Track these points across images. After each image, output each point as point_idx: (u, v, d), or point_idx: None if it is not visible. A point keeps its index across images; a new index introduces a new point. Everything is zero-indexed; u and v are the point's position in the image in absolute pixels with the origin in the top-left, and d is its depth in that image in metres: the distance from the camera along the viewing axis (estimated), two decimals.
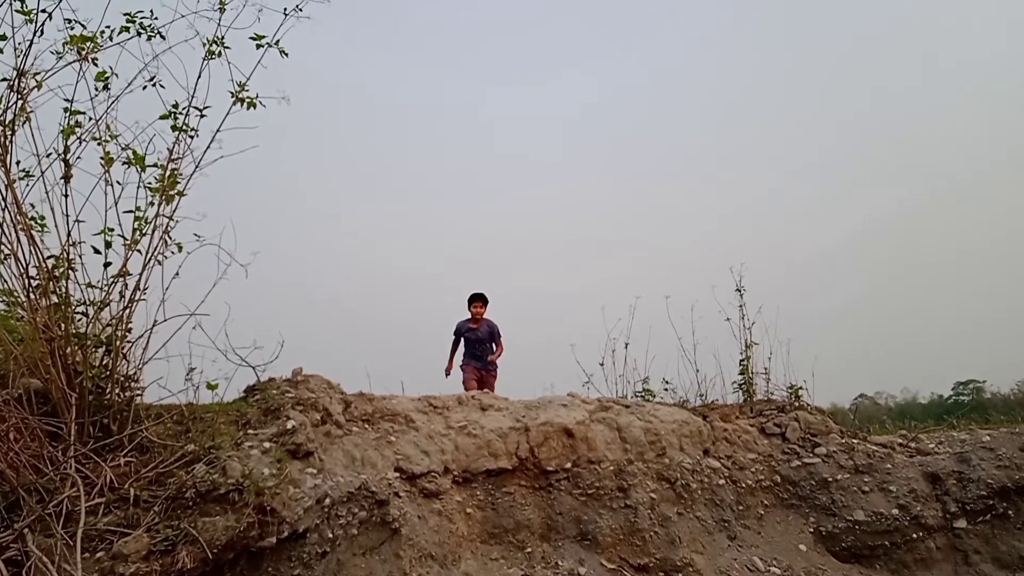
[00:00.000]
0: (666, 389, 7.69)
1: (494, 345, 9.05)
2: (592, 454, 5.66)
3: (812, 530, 6.22)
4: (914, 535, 6.17)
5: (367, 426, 5.01)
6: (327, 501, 3.93)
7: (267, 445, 3.86)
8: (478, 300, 9.14)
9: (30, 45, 3.88)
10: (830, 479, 6.39)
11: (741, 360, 7.67)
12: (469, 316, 9.11)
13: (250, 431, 3.98)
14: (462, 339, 9.13)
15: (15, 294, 3.99)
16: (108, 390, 3.86)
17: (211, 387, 4.12)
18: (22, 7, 3.79)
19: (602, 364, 7.66)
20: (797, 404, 7.16)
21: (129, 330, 4.04)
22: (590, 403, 6.21)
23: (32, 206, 4.03)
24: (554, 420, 5.71)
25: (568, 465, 5.56)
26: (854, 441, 6.76)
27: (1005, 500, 6.29)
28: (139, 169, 4.28)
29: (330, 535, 3.91)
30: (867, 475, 6.45)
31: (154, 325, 4.01)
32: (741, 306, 7.83)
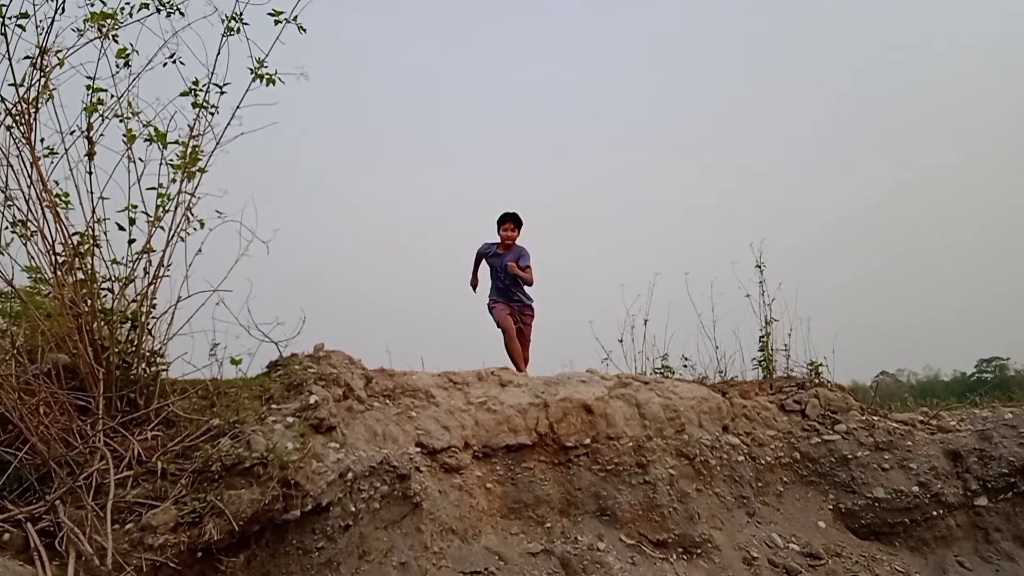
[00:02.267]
0: (685, 366, 7.69)
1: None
2: (611, 430, 5.68)
3: (831, 507, 6.22)
4: (934, 512, 6.16)
5: (388, 401, 5.05)
6: (349, 475, 3.98)
7: (290, 420, 3.91)
8: (509, 221, 7.53)
9: (51, 23, 3.89)
10: (850, 456, 6.37)
11: (761, 337, 7.65)
12: (497, 241, 7.65)
13: (273, 406, 4.03)
14: (485, 264, 7.75)
15: (42, 271, 4.05)
16: (134, 365, 3.91)
17: (235, 362, 4.17)
18: None
19: (621, 341, 7.65)
20: (817, 381, 7.13)
21: (154, 306, 4.09)
22: (609, 379, 6.22)
23: (56, 183, 4.07)
24: (573, 396, 5.73)
25: (587, 441, 5.59)
26: (874, 418, 6.73)
27: None
28: (161, 146, 4.30)
29: (352, 509, 3.96)
30: (887, 452, 6.43)
31: (178, 301, 4.06)
32: (761, 282, 7.79)
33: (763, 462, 6.26)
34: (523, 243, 7.76)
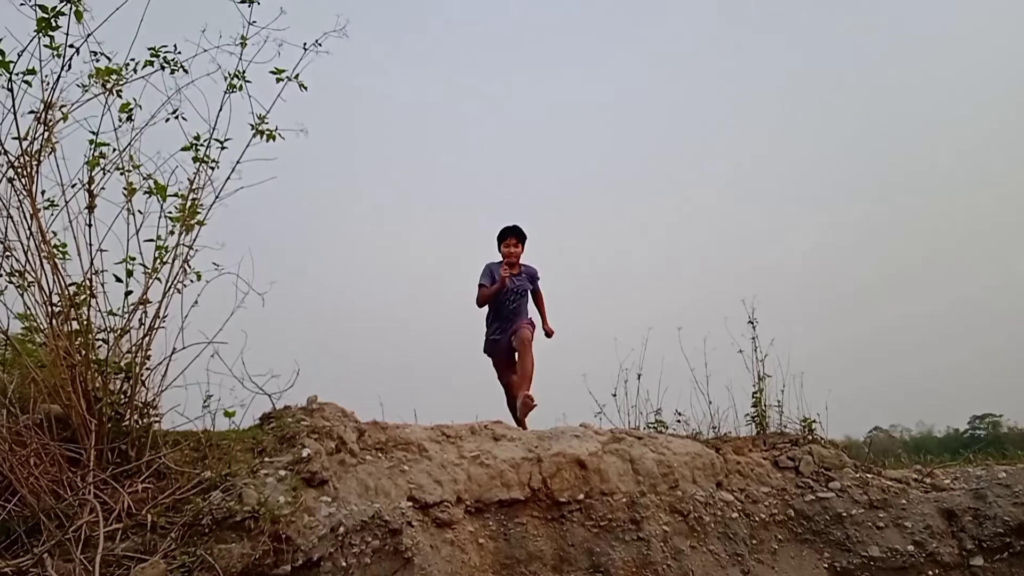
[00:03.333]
0: (679, 421, 7.65)
1: (527, 302, 6.58)
2: (605, 486, 5.64)
3: (827, 565, 6.15)
4: (930, 572, 6.09)
5: (381, 455, 5.02)
6: (341, 530, 3.94)
7: (282, 473, 3.88)
8: (511, 236, 6.40)
9: (57, 79, 3.99)
10: (844, 514, 6.33)
11: (754, 392, 7.64)
12: (499, 261, 6.52)
13: (266, 459, 4.01)
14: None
15: (36, 319, 4.07)
16: (127, 416, 3.90)
17: (228, 414, 4.16)
18: (51, 43, 3.89)
19: (614, 395, 7.63)
20: (811, 437, 7.11)
21: (148, 357, 4.10)
22: (603, 434, 6.20)
23: (55, 234, 4.12)
24: (567, 451, 5.70)
25: (581, 496, 5.54)
26: (868, 476, 6.71)
27: (1023, 538, 6.21)
28: (160, 199, 4.37)
29: (344, 564, 3.91)
30: (882, 510, 6.38)
31: (173, 353, 4.07)
32: (754, 338, 7.81)
33: (757, 519, 6.21)
34: (527, 260, 6.84)
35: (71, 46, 3.99)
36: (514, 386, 6.56)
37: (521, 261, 6.62)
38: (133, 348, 4.06)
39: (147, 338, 4.08)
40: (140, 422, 3.96)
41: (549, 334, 6.64)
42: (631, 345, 7.78)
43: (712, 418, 7.54)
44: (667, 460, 6.02)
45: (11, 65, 3.74)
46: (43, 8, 3.82)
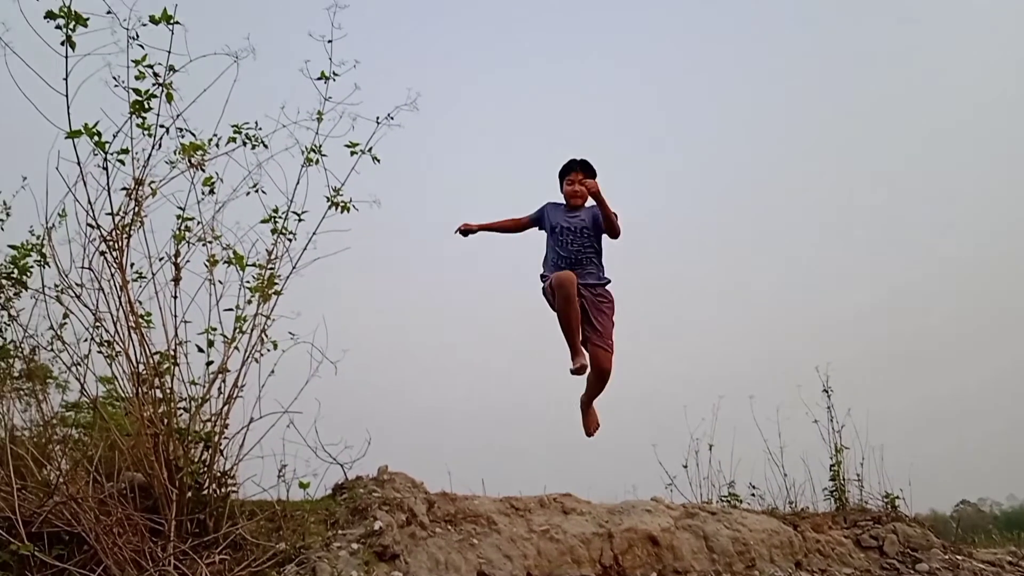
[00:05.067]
0: (753, 494, 7.39)
1: (598, 244, 4.71)
2: (678, 564, 5.45)
3: None
4: None
5: (450, 527, 4.95)
6: None
7: (355, 546, 3.86)
8: (577, 170, 4.74)
9: (148, 157, 4.16)
10: None
11: (831, 465, 7.35)
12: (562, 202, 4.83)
13: (339, 531, 3.99)
14: (548, 229, 4.79)
15: (119, 383, 4.17)
16: (206, 486, 3.94)
17: (303, 486, 4.15)
18: (143, 123, 4.08)
19: (685, 466, 7.42)
20: (894, 515, 6.79)
21: (227, 426, 4.15)
22: (675, 509, 6.02)
23: (140, 303, 4.25)
24: (638, 526, 5.54)
25: (653, 575, 5.36)
26: (958, 557, 6.34)
27: None
28: (239, 269, 4.48)
29: None
30: None
31: (250, 422, 4.12)
32: (829, 407, 7.57)
33: None
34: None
35: (162, 126, 4.18)
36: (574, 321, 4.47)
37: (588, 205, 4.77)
38: (212, 417, 4.13)
39: (226, 407, 4.15)
40: (218, 492, 3.99)
41: (593, 190, 4.50)
42: (701, 414, 7.59)
43: (788, 492, 7.28)
44: (743, 537, 5.80)
45: (107, 145, 3.92)
46: (137, 92, 4.02)
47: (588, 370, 4.46)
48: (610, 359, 4.55)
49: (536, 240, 4.83)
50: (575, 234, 4.71)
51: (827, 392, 7.59)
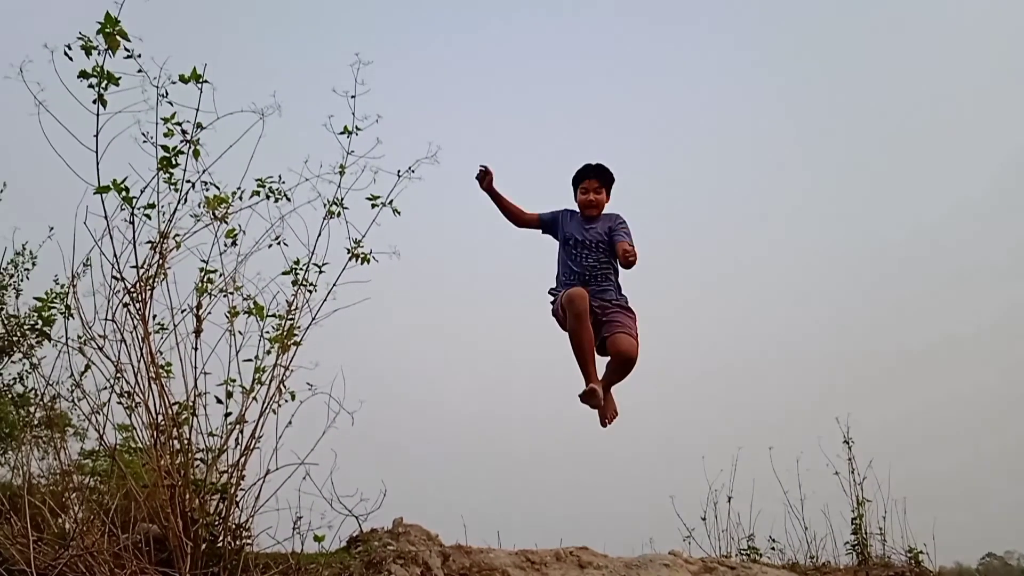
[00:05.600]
0: (773, 548, 7.25)
1: (615, 259, 4.22)
2: None
3: None
4: None
5: None
6: None
7: None
8: (592, 177, 4.36)
9: (174, 211, 4.25)
10: None
11: (853, 519, 7.22)
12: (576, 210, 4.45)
13: None
14: (561, 239, 4.41)
15: (135, 432, 4.20)
16: (221, 538, 3.94)
17: (318, 539, 4.14)
18: (169, 178, 4.17)
19: (704, 518, 7.31)
20: (918, 570, 6.63)
21: (243, 477, 4.17)
22: (693, 563, 5.92)
23: (160, 353, 4.30)
24: None
25: None
26: None
27: None
28: (259, 319, 4.53)
29: None
30: None
31: (267, 474, 4.13)
32: (850, 459, 7.46)
33: None
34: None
35: (188, 181, 4.27)
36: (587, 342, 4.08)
37: (607, 212, 4.41)
38: (229, 468, 4.14)
39: (243, 458, 4.16)
40: (233, 544, 3.99)
41: (625, 256, 3.92)
42: (720, 465, 7.50)
43: (809, 546, 7.13)
44: None
45: (134, 200, 4.01)
46: (165, 148, 4.12)
47: (611, 358, 4.10)
48: (635, 346, 4.07)
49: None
50: (590, 248, 4.30)
51: (847, 443, 7.48)
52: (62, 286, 4.46)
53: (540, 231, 4.53)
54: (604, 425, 4.32)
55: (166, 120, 4.11)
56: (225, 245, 4.56)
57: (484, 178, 4.37)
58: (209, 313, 4.35)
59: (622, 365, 4.08)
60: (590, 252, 4.27)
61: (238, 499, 4.09)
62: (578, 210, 4.43)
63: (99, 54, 3.78)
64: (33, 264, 5.72)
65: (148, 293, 4.14)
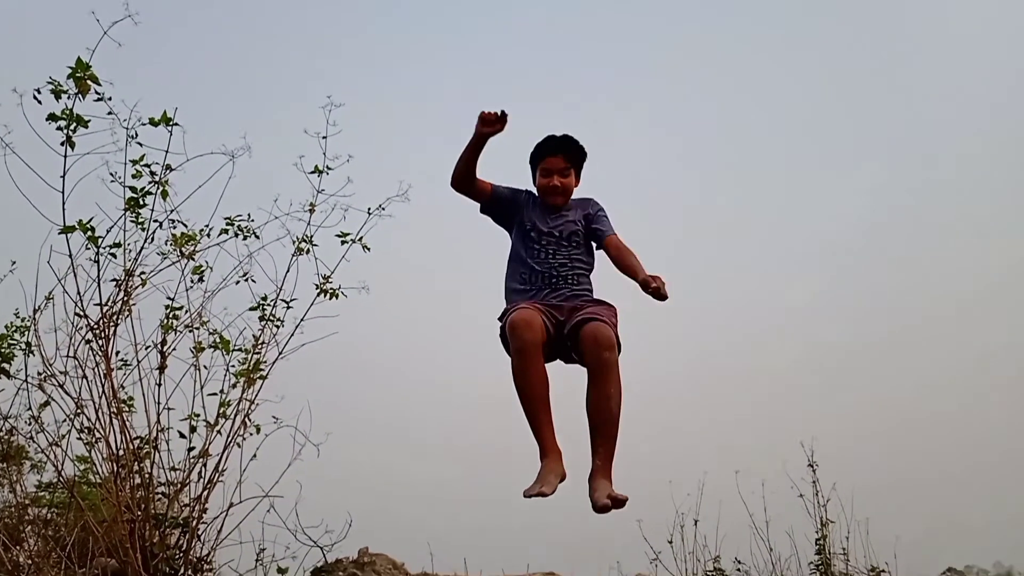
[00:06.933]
0: (739, 570, 7.35)
1: (590, 256, 3.22)
2: None
3: None
4: None
5: None
6: None
7: None
8: (556, 152, 3.17)
9: (140, 250, 4.30)
10: None
11: (817, 540, 7.33)
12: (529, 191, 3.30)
13: None
14: (517, 229, 3.20)
15: (94, 463, 4.22)
16: (181, 572, 3.98)
17: (281, 572, 4.19)
18: (136, 218, 4.24)
19: (670, 541, 7.39)
20: None
21: (205, 511, 4.21)
22: None
23: (123, 388, 4.33)
24: None
25: None
26: None
27: None
28: (224, 353, 4.58)
29: None
30: None
31: (230, 507, 4.17)
32: (815, 481, 7.58)
33: None
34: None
35: (155, 220, 4.33)
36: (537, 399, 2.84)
37: (580, 196, 3.31)
38: (191, 502, 4.19)
39: (206, 492, 4.20)
40: None
41: (652, 287, 2.76)
42: (687, 488, 7.59)
43: (774, 567, 7.23)
44: None
45: (99, 240, 4.07)
46: (133, 189, 4.18)
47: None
48: (614, 340, 2.82)
49: None
50: (558, 242, 3.14)
51: (812, 467, 7.60)
52: (22, 319, 4.49)
53: (481, 209, 3.26)
54: (598, 511, 2.68)
55: (135, 162, 4.15)
56: (192, 282, 4.60)
57: (496, 123, 2.92)
58: (174, 349, 4.40)
59: (603, 381, 2.77)
60: (559, 247, 3.13)
61: (200, 532, 4.14)
62: (536, 191, 3.29)
63: (69, 98, 3.84)
64: None
65: (112, 329, 4.20)
